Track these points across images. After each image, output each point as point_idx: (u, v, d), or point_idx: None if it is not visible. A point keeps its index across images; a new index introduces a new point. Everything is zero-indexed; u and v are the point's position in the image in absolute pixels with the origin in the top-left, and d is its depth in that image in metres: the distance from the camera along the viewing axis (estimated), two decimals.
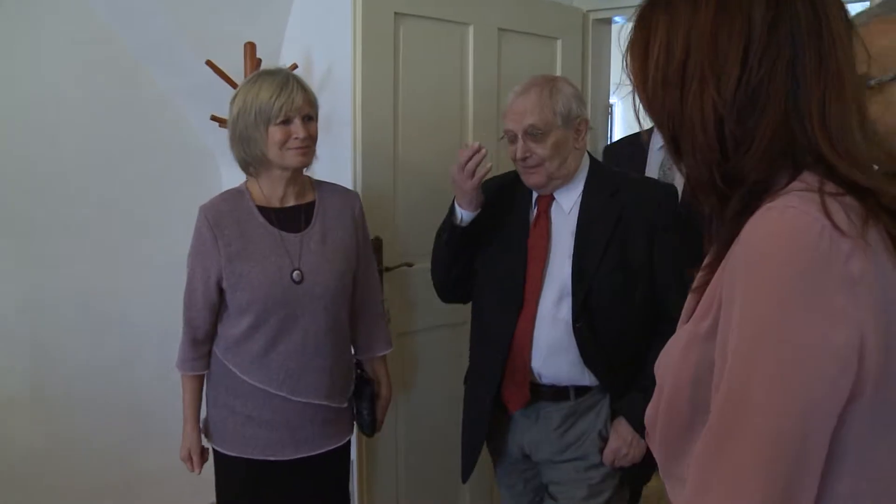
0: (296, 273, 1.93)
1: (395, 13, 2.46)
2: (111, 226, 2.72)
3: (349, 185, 2.25)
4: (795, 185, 0.81)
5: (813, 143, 0.80)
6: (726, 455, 0.76)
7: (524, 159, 1.82)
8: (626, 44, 0.92)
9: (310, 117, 1.92)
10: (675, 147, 0.89)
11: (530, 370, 1.85)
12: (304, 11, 2.65)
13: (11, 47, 2.44)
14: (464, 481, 2.05)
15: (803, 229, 0.74)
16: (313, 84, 2.45)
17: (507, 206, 1.96)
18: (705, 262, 0.93)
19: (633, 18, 0.92)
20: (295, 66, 2.44)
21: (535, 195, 1.92)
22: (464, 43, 2.66)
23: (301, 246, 1.95)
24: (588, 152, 1.93)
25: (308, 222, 1.99)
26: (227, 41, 2.53)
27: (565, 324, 1.81)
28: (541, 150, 1.80)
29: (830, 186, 0.78)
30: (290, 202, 1.99)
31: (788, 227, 0.75)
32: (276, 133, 1.87)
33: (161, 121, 2.80)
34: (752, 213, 0.81)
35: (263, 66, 2.45)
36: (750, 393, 0.74)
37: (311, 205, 2.02)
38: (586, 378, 1.85)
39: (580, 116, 1.85)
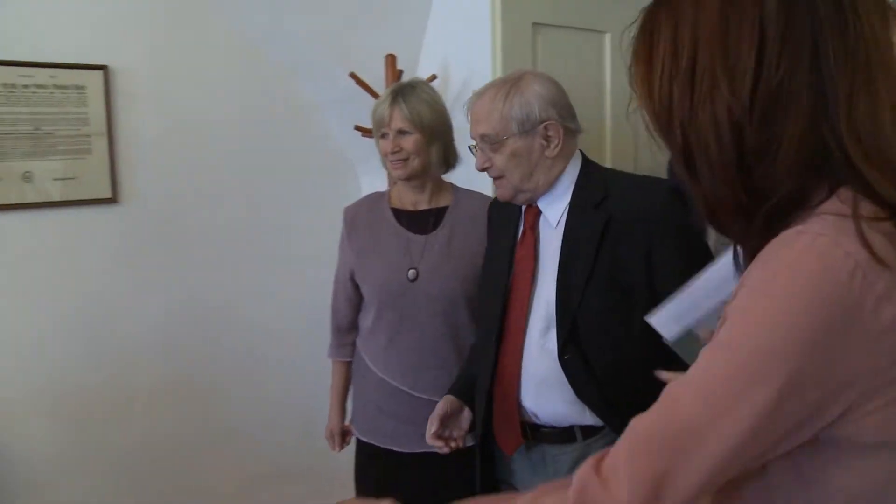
0: (411, 272, 2.08)
1: (533, 23, 2.55)
2: (259, 230, 2.94)
3: (490, 194, 2.36)
4: (829, 205, 0.73)
5: (842, 147, 0.72)
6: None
7: (483, 170, 1.68)
8: (630, 52, 0.85)
9: (403, 132, 2.07)
10: (687, 164, 0.80)
11: (520, 408, 1.66)
12: (441, 23, 2.77)
13: (173, 63, 2.72)
14: None
15: (834, 267, 0.68)
16: (450, 94, 2.58)
17: (504, 221, 1.81)
18: None
19: (636, 24, 0.84)
20: (433, 78, 2.57)
21: (523, 208, 1.75)
22: (601, 51, 2.71)
23: (424, 247, 2.10)
24: (582, 153, 1.72)
25: (437, 226, 2.14)
26: (369, 53, 2.70)
27: (553, 356, 1.60)
28: (499, 161, 1.63)
29: (866, 207, 0.71)
30: (423, 206, 2.17)
31: (818, 260, 0.69)
32: (380, 145, 2.13)
33: (305, 131, 3.00)
34: (776, 233, 0.74)
35: (404, 78, 2.61)
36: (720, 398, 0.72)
37: (444, 209, 2.17)
38: (588, 416, 1.62)
39: (547, 121, 1.61)
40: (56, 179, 2.54)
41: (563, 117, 1.64)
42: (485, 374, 1.71)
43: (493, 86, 1.67)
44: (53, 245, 2.55)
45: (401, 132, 2.07)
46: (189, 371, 2.81)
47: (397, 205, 2.20)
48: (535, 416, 1.65)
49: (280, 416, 2.98)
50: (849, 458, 0.73)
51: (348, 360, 2.29)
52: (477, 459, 1.77)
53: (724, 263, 1.14)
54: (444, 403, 1.76)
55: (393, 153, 2.07)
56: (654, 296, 1.46)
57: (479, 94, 1.67)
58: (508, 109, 1.60)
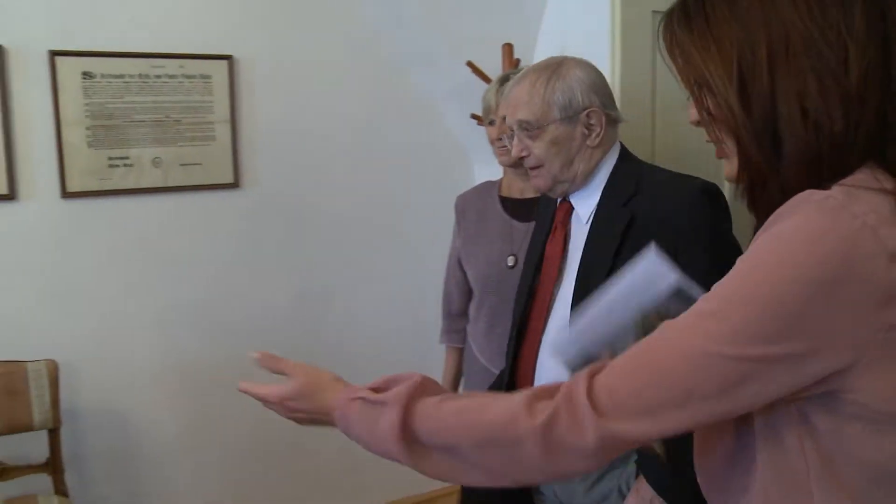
0: (511, 258, 2.10)
1: (653, 11, 2.51)
2: (375, 217, 3.03)
3: None
4: (848, 179, 0.75)
5: None
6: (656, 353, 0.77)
7: (520, 159, 1.61)
8: (680, 37, 0.84)
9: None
10: (762, 146, 0.79)
11: None
12: (559, 11, 2.77)
13: (293, 53, 2.82)
14: None
15: (840, 225, 0.69)
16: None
17: (544, 212, 1.76)
18: None
19: (683, 4, 0.84)
20: None
21: (558, 201, 1.68)
22: None
23: (525, 235, 2.09)
24: (622, 145, 1.64)
25: None
26: (485, 42, 2.73)
27: None
28: (538, 149, 1.56)
29: (888, 181, 0.73)
30: (529, 194, 2.17)
31: (823, 219, 0.70)
32: (488, 132, 2.18)
33: (422, 120, 3.07)
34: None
35: (521, 66, 2.63)
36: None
37: None
38: None
39: (590, 107, 1.55)
40: (182, 165, 2.69)
41: (606, 105, 1.58)
42: (506, 371, 1.69)
43: (533, 70, 1.60)
44: (179, 227, 2.72)
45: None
46: (304, 351, 2.91)
47: (506, 193, 2.23)
48: None
49: None
50: (870, 431, 0.73)
51: (459, 346, 2.34)
52: None
53: (642, 268, 1.01)
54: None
55: (498, 140, 2.09)
56: None
57: (518, 80, 1.61)
58: (550, 94, 1.54)
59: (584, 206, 1.59)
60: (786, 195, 0.75)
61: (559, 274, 1.59)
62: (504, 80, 2.12)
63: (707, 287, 1.13)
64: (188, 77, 2.67)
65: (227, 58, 2.70)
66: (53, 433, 2.51)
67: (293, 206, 2.86)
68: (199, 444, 2.83)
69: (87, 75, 2.57)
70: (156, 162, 2.65)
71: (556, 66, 1.58)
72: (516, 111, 1.58)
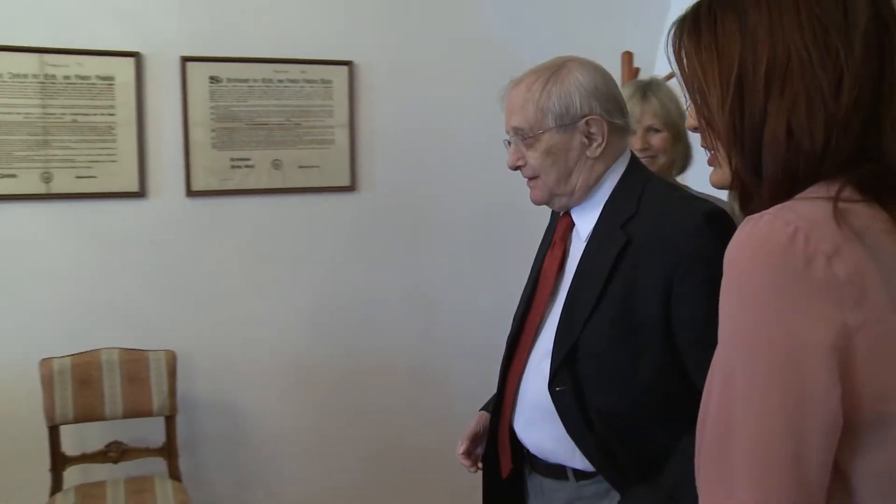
0: None
1: None
2: (488, 223, 3.06)
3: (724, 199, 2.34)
4: (812, 188, 0.77)
5: (876, 153, 0.77)
6: (723, 461, 0.74)
7: (515, 167, 1.49)
8: (687, 46, 0.86)
9: (652, 129, 2.06)
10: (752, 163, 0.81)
11: (512, 431, 1.50)
12: None
13: (412, 59, 2.89)
14: None
15: (774, 236, 0.71)
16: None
17: (552, 223, 1.65)
18: None
19: (695, 14, 0.85)
20: (671, 76, 2.55)
21: (560, 213, 1.55)
22: None
23: None
24: (632, 156, 1.49)
25: None
26: (605, 50, 2.72)
27: (546, 384, 1.40)
28: (532, 159, 1.44)
29: (849, 192, 0.74)
30: None
31: (759, 235, 0.73)
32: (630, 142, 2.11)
33: None
34: None
35: (640, 76, 2.61)
36: (733, 405, 0.72)
37: None
38: (578, 459, 1.40)
39: (589, 115, 1.40)
40: (301, 167, 2.80)
41: (609, 112, 1.42)
42: (497, 389, 1.58)
43: (532, 72, 1.46)
44: (296, 228, 2.84)
45: (650, 129, 2.07)
46: (415, 354, 3.00)
47: None
48: (524, 442, 1.50)
49: None
50: (862, 440, 0.73)
51: None
52: (483, 476, 1.62)
53: None
54: (476, 422, 1.63)
55: (642, 150, 2.05)
56: (668, 339, 1.30)
57: (516, 83, 1.48)
58: (545, 100, 1.40)
59: (584, 222, 1.47)
60: (772, 203, 0.77)
61: (553, 292, 1.48)
62: (644, 88, 2.07)
63: (704, 318, 1.11)
64: (309, 82, 2.78)
65: (348, 63, 2.80)
66: (170, 420, 2.66)
67: (408, 210, 2.94)
68: (307, 437, 2.94)
69: (214, 80, 2.72)
70: (276, 164, 2.78)
71: (555, 69, 1.43)
72: (511, 117, 1.46)
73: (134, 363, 2.63)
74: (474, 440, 1.61)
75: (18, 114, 2.58)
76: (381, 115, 2.87)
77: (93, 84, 2.64)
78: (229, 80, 2.73)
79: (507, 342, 1.56)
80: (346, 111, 2.81)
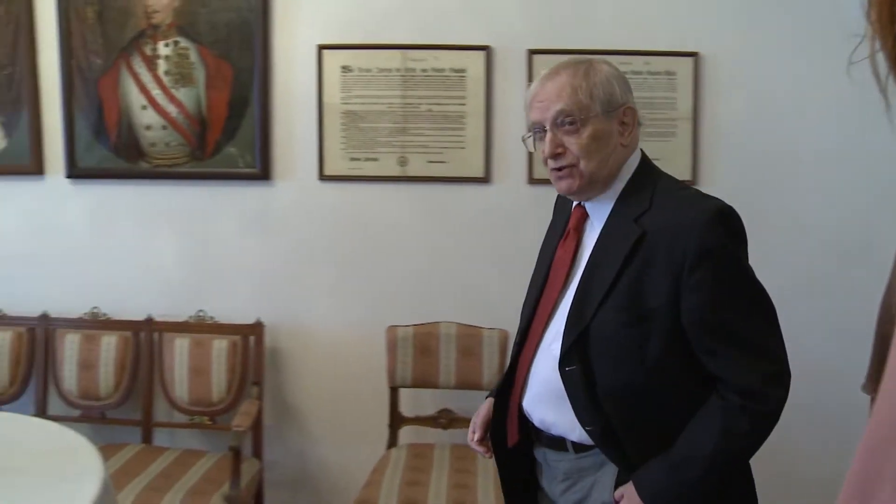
0: None
1: None
2: (841, 229, 2.93)
3: None
4: None
5: None
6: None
7: (555, 157, 1.50)
8: None
9: None
10: None
11: (520, 405, 1.61)
12: None
13: (763, 51, 2.84)
14: None
15: None
16: None
17: (561, 212, 1.72)
18: None
19: None
20: None
21: (574, 204, 1.62)
22: None
23: None
24: (642, 152, 1.56)
25: None
26: None
27: (556, 363, 1.50)
28: (575, 145, 1.47)
29: None
30: None
31: None
32: None
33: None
34: None
35: None
36: None
37: None
38: (577, 433, 1.52)
39: (626, 104, 1.50)
40: None
41: (635, 103, 1.54)
42: (508, 370, 1.68)
43: (566, 66, 1.52)
44: None
45: None
46: None
47: None
48: (530, 416, 1.61)
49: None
50: None
51: None
52: (494, 451, 1.72)
53: None
54: (487, 409, 1.73)
55: None
56: (675, 326, 1.40)
57: (551, 75, 1.53)
58: (592, 86, 1.47)
59: (598, 213, 1.55)
60: None
61: (566, 281, 1.56)
62: None
63: (711, 306, 1.35)
64: (653, 74, 2.85)
65: (693, 54, 2.82)
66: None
67: (749, 209, 2.89)
68: None
69: None
70: None
71: (588, 63, 1.53)
72: (552, 105, 1.49)
73: (469, 338, 2.90)
74: (487, 427, 1.72)
75: (383, 104, 2.95)
76: (727, 109, 2.85)
77: (447, 76, 2.93)
78: None
79: (518, 327, 1.67)
80: (689, 104, 2.84)
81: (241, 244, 3.10)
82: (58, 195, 3.18)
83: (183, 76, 3.01)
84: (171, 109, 3.02)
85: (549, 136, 1.51)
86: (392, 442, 2.94)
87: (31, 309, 3.20)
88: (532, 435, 1.66)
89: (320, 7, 2.98)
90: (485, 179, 2.92)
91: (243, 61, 2.97)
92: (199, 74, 3.00)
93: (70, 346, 3.10)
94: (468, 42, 2.91)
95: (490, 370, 2.86)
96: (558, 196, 1.74)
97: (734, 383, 1.39)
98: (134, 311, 3.13)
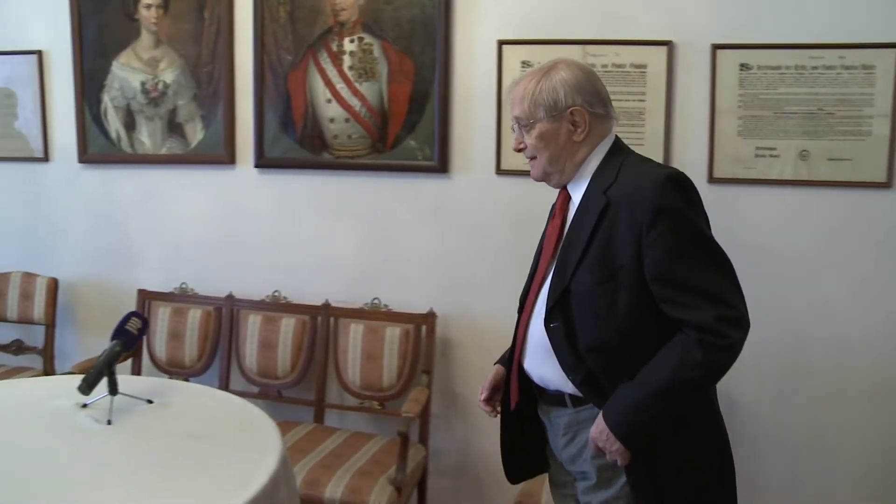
0: None
1: None
2: None
3: None
4: None
5: None
6: None
7: (520, 150, 1.85)
8: None
9: None
10: None
11: (521, 366, 1.87)
12: None
13: None
14: (511, 482, 2.05)
15: None
16: None
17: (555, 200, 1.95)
18: None
19: None
20: None
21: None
22: None
23: None
24: (617, 140, 1.84)
25: None
26: None
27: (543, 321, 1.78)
28: (530, 143, 1.81)
29: None
30: None
31: None
32: None
33: None
34: None
35: None
36: None
37: None
38: (571, 387, 1.77)
39: (573, 107, 1.75)
40: (830, 160, 2.79)
41: (591, 104, 1.76)
42: (513, 338, 1.92)
43: (530, 72, 1.83)
44: (819, 224, 2.81)
45: None
46: None
47: None
48: (531, 376, 1.86)
49: None
50: None
51: None
52: (501, 413, 1.99)
53: None
54: (493, 373, 1.99)
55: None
56: (641, 281, 1.64)
57: (517, 81, 1.84)
58: (538, 95, 1.76)
59: (577, 193, 1.81)
60: None
61: (555, 252, 1.82)
62: None
63: (668, 259, 1.61)
64: (847, 68, 2.74)
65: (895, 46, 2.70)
66: None
67: None
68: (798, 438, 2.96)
69: (744, 67, 2.83)
70: (802, 155, 2.81)
71: (547, 69, 1.79)
72: (513, 109, 1.83)
73: None
74: (494, 389, 1.98)
75: None
76: None
77: (627, 72, 2.95)
78: (759, 67, 2.82)
79: (519, 298, 1.92)
80: (889, 100, 2.72)
81: (417, 235, 3.24)
82: (247, 184, 3.44)
83: (366, 71, 3.18)
84: (355, 103, 3.20)
85: (515, 133, 1.86)
86: None
87: (219, 290, 3.48)
88: (536, 396, 1.89)
89: (500, 3, 3.05)
90: None
91: (425, 56, 3.11)
92: (382, 69, 3.16)
93: (252, 327, 3.35)
94: (649, 37, 2.91)
95: None
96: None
97: (692, 322, 1.60)
98: (312, 296, 3.34)
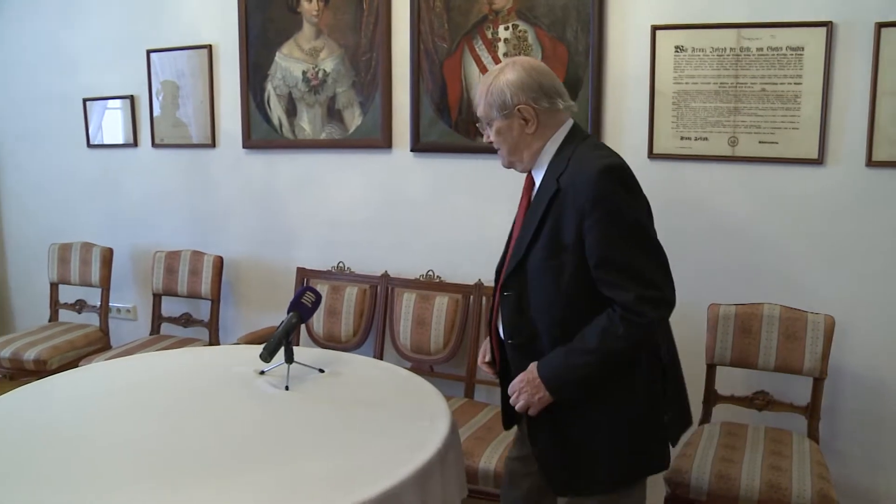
0: None
1: None
2: None
3: None
4: None
5: None
6: None
7: (489, 143, 2.15)
8: None
9: None
10: None
11: (497, 330, 2.20)
12: None
13: None
14: (505, 428, 2.38)
15: None
16: None
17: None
18: None
19: None
20: None
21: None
22: None
23: None
24: (574, 126, 2.11)
25: None
26: None
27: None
28: (492, 137, 2.12)
29: None
30: None
31: None
32: None
33: None
34: None
35: None
36: None
37: None
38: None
39: (519, 104, 2.03)
40: None
41: (536, 100, 2.04)
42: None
43: (486, 75, 2.11)
44: None
45: None
46: None
47: None
48: (501, 335, 2.17)
49: None
50: None
51: None
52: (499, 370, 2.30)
53: None
54: (489, 338, 2.30)
55: None
56: (582, 261, 1.95)
57: (480, 83, 2.11)
58: (489, 97, 2.06)
59: (539, 178, 2.10)
60: None
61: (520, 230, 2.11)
62: None
63: (605, 243, 1.91)
64: None
65: None
66: (818, 382, 2.91)
67: None
68: None
69: None
70: None
71: (496, 73, 2.07)
72: (476, 109, 2.13)
73: (793, 322, 2.97)
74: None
75: (715, 83, 3.11)
76: None
77: (783, 55, 3.02)
78: None
79: (495, 270, 2.23)
80: None
81: None
82: (402, 168, 3.71)
83: None
84: None
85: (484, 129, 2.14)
86: (705, 418, 3.10)
87: (374, 269, 3.77)
88: (503, 350, 2.21)
89: None
90: (818, 161, 2.99)
91: (578, 42, 3.27)
92: (536, 55, 3.34)
93: (406, 304, 3.61)
94: (808, 18, 2.97)
95: (812, 356, 2.90)
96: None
97: (618, 301, 1.91)
98: (465, 276, 3.57)
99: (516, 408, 2.07)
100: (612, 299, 1.91)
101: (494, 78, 2.06)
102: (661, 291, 1.92)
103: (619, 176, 1.93)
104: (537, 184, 2.10)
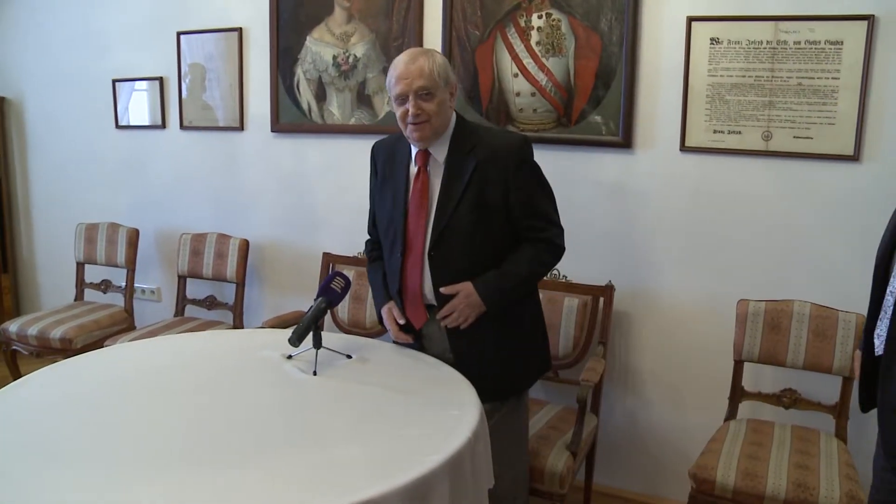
0: None
1: None
2: None
3: None
4: None
5: None
6: None
7: (416, 115, 2.34)
8: None
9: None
10: None
11: (424, 296, 2.53)
12: None
13: None
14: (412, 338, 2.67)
15: None
16: None
17: (393, 164, 2.56)
18: None
19: None
20: None
21: (413, 153, 2.49)
22: None
23: None
24: (456, 112, 2.49)
25: None
26: None
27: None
28: (429, 108, 2.35)
29: None
30: None
31: None
32: None
33: None
34: None
35: None
36: None
37: None
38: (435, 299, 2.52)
39: (453, 82, 2.43)
40: None
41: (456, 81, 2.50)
42: (394, 277, 2.57)
43: (420, 54, 2.38)
44: None
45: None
46: None
47: None
48: (427, 298, 2.52)
49: None
50: None
51: None
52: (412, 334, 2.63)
53: None
54: (394, 308, 2.59)
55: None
56: (505, 215, 2.42)
57: (411, 60, 2.35)
58: (439, 69, 2.35)
59: (440, 153, 2.44)
60: None
61: (428, 203, 2.44)
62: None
63: (531, 198, 2.43)
64: None
65: None
66: (847, 382, 2.90)
67: None
68: None
69: None
70: None
71: (428, 52, 2.40)
72: (415, 81, 2.33)
73: (823, 319, 2.96)
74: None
75: (750, 76, 3.09)
76: None
77: (821, 49, 2.99)
78: None
79: (392, 245, 2.54)
80: None
81: (599, 209, 3.41)
82: None
83: (553, 46, 3.37)
84: (541, 77, 3.41)
85: (412, 101, 2.34)
86: (731, 414, 3.09)
87: None
88: (429, 313, 2.56)
89: None
90: (854, 158, 2.97)
91: (612, 32, 3.26)
92: (569, 45, 3.34)
93: None
94: (848, 12, 2.94)
95: (843, 354, 2.89)
96: (374, 154, 2.66)
97: (542, 238, 2.46)
98: None
99: (448, 324, 2.46)
100: (538, 239, 2.45)
101: (431, 55, 2.38)
102: (562, 228, 2.51)
103: (531, 146, 2.44)
104: (438, 157, 2.44)
